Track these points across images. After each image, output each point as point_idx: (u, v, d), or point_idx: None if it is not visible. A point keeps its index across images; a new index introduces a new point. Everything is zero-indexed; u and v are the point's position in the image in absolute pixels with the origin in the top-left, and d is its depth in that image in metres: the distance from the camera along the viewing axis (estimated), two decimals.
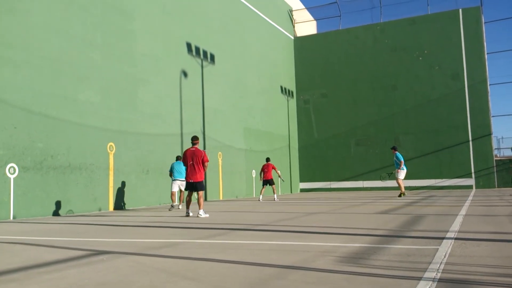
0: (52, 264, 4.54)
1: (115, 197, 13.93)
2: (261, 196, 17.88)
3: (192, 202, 11.17)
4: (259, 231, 6.99)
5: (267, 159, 18.30)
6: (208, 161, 10.42)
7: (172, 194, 13.44)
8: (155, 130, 15.98)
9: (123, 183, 14.30)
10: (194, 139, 10.52)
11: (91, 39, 13.60)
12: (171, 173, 13.57)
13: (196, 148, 10.42)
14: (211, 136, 19.33)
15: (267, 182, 17.82)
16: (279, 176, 18.95)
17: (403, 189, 16.80)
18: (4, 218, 10.64)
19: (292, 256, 4.65)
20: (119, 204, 14.11)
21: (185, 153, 10.47)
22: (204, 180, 10.52)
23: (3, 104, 10.83)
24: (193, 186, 10.35)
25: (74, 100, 12.83)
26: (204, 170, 10.39)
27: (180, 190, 13.61)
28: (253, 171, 22.38)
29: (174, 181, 13.38)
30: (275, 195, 17.98)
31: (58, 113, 12.25)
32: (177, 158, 13.85)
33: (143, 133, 15.36)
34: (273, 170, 17.98)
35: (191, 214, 10.47)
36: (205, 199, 18.61)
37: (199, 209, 10.15)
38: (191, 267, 4.20)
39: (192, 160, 10.27)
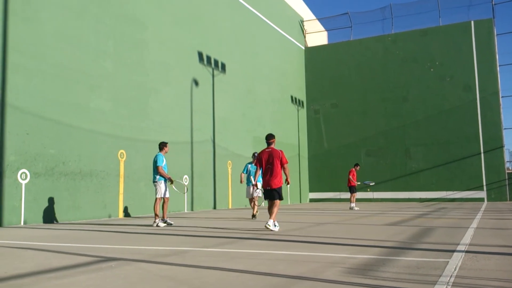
0: (61, 270, 4.56)
1: (125, 204, 13.97)
2: (351, 204, 17.94)
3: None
4: (268, 241, 6.97)
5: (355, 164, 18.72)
6: (287, 162, 8.84)
7: (156, 202, 10.49)
8: (165, 138, 15.95)
9: (133, 190, 14.35)
10: (269, 138, 9.01)
11: (104, 48, 13.75)
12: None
13: (272, 148, 8.90)
14: (221, 145, 19.37)
15: (349, 188, 18.11)
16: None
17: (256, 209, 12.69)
18: (15, 223, 10.72)
19: (300, 266, 4.63)
20: (129, 211, 14.14)
21: (259, 155, 8.95)
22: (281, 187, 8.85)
23: (16, 111, 10.96)
24: (271, 194, 8.74)
25: (86, 108, 12.95)
26: (285, 173, 8.80)
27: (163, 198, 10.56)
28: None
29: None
30: (353, 203, 17.94)
31: (70, 120, 12.37)
32: (160, 147, 10.68)
33: (154, 141, 15.39)
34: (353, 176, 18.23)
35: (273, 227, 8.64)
36: (214, 207, 18.61)
37: (269, 218, 8.59)
38: (199, 275, 4.20)
39: (269, 162, 8.74)
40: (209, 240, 7.19)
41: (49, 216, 11.57)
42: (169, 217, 12.01)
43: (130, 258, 5.28)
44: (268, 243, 6.73)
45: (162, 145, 10.66)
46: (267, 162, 8.76)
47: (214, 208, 18.66)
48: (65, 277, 4.20)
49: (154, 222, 10.13)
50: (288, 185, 9.35)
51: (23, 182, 10.96)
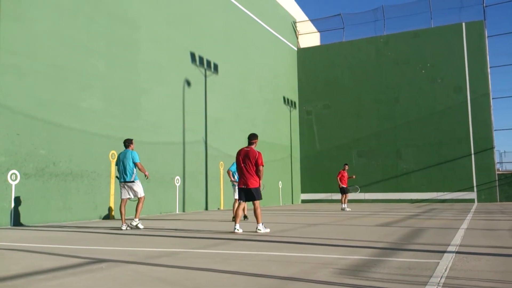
0: (51, 271, 4.53)
1: (115, 205, 13.90)
2: (343, 205, 17.93)
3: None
4: (259, 242, 6.96)
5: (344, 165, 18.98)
6: (263, 165, 8.56)
7: (121, 204, 9.82)
8: (157, 138, 16.00)
9: None
10: (252, 138, 8.76)
11: (96, 47, 13.68)
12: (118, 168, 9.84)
13: (251, 148, 8.63)
14: (213, 145, 19.34)
15: (340, 189, 18.26)
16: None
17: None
18: (5, 224, 10.62)
19: (292, 267, 4.63)
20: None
21: (237, 154, 8.75)
22: (259, 187, 8.65)
23: (6, 111, 10.87)
24: (247, 194, 8.59)
25: (77, 108, 12.87)
26: (258, 175, 8.55)
27: (126, 199, 9.81)
28: None
29: (120, 184, 9.85)
30: (343, 204, 17.99)
31: (61, 120, 12.29)
32: (127, 144, 9.97)
33: (145, 142, 15.37)
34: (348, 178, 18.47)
35: (240, 230, 8.48)
36: (206, 209, 18.58)
37: (257, 222, 8.48)
38: (190, 277, 4.18)
39: (245, 162, 8.53)
40: (200, 241, 7.18)
41: (39, 217, 11.48)
42: (162, 218, 11.93)
43: (121, 259, 5.25)
44: (260, 244, 6.72)
45: (129, 142, 9.94)
46: (243, 161, 8.58)
47: (206, 209, 18.62)
48: (55, 278, 4.17)
49: (137, 222, 9.63)
50: (263, 189, 9.10)
51: (13, 183, 10.87)
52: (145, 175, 9.90)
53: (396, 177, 26.14)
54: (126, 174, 9.66)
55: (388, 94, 26.79)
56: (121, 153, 9.86)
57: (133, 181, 9.71)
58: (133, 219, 9.75)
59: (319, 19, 31.48)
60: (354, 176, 19.70)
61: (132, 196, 9.78)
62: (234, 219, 8.67)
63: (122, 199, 9.78)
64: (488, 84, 24.99)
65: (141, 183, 9.97)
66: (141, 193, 9.80)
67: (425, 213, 14.68)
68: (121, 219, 9.65)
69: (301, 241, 6.95)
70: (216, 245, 6.76)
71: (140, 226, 9.60)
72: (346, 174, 18.41)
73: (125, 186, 9.74)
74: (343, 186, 18.07)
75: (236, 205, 12.04)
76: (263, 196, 8.89)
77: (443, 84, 25.71)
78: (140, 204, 9.78)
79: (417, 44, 26.61)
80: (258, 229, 8.43)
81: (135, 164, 9.67)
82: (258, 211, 8.54)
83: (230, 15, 21.80)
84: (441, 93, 25.68)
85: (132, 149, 9.90)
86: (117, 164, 9.86)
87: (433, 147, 25.49)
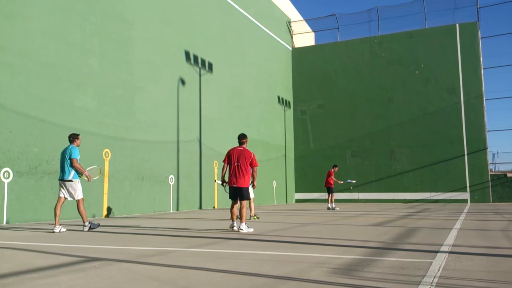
0: (44, 269, 4.51)
1: (109, 204, 13.85)
2: (332, 204, 18.01)
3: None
4: (253, 241, 6.96)
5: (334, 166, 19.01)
6: (257, 165, 8.81)
7: (56, 203, 8.90)
8: (151, 137, 15.96)
9: (118, 190, 14.23)
10: (242, 138, 8.94)
11: (89, 45, 13.62)
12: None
13: (244, 148, 8.78)
14: (207, 144, 19.32)
15: (327, 189, 18.28)
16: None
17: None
18: None
19: (285, 266, 4.63)
20: (113, 211, 14.02)
21: (230, 152, 8.76)
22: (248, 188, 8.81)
23: None
24: (237, 193, 8.67)
25: (71, 106, 12.81)
26: (253, 175, 8.82)
27: (63, 199, 8.85)
28: None
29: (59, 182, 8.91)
30: (332, 203, 18.08)
31: (54, 119, 12.23)
32: (71, 139, 9.02)
33: (139, 140, 15.33)
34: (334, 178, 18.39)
35: (235, 227, 8.76)
36: (200, 208, 18.55)
37: (241, 222, 8.57)
38: (183, 275, 4.18)
39: (239, 161, 8.59)
40: (194, 240, 7.17)
41: (32, 215, 11.42)
42: (155, 217, 11.87)
43: (114, 258, 5.23)
44: (253, 243, 6.72)
45: (73, 137, 8.99)
46: (237, 160, 8.61)
47: (200, 208, 18.60)
48: (48, 277, 4.15)
49: (85, 226, 8.87)
50: (254, 188, 9.44)
51: (6, 181, 10.80)
52: (86, 176, 8.85)
53: (390, 177, 26.23)
54: (63, 172, 8.74)
55: (382, 95, 26.88)
56: (64, 148, 9.01)
57: (70, 180, 8.73)
58: (84, 225, 8.88)
59: (314, 19, 31.54)
60: (340, 182, 19.70)
61: (69, 197, 8.80)
62: (231, 217, 8.77)
63: (58, 198, 8.82)
64: (481, 85, 25.12)
65: (82, 183, 9.06)
66: (78, 195, 8.80)
67: (418, 213, 14.74)
68: (55, 220, 8.69)
69: (295, 241, 6.96)
70: (209, 244, 6.76)
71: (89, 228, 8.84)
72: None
73: (62, 185, 8.77)
74: (330, 186, 18.18)
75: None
76: (257, 196, 8.98)
77: (436, 85, 25.83)
78: (81, 207, 8.80)
79: (411, 45, 26.71)
80: (241, 229, 8.44)
81: (70, 161, 8.65)
82: (244, 210, 8.65)
83: (224, 14, 21.78)
84: (434, 94, 25.79)
85: (77, 145, 8.95)
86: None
87: (427, 147, 25.60)
